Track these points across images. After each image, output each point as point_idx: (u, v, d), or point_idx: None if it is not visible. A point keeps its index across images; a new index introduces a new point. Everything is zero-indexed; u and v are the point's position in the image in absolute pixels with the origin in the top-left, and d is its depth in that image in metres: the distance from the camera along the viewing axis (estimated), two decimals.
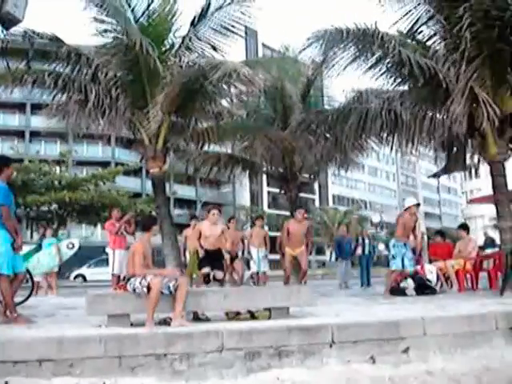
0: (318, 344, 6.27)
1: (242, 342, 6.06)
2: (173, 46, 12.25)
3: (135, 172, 45.90)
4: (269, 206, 68.48)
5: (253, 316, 7.22)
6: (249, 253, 14.39)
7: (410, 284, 11.52)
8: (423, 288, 11.45)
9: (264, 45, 61.44)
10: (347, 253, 16.61)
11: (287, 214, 61.34)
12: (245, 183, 45.16)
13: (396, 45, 9.58)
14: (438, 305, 8.79)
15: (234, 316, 7.24)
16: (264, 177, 18.82)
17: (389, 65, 10.59)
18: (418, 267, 12.58)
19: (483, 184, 52.30)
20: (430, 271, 12.30)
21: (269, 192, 68.56)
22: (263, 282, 14.33)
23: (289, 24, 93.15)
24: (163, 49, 12.03)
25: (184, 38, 12.10)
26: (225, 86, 12.07)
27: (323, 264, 52.89)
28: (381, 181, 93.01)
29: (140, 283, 6.58)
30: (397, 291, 11.58)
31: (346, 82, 10.92)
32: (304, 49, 10.29)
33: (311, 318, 7.12)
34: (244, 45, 54.40)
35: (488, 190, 24.21)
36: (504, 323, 7.08)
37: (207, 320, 7.17)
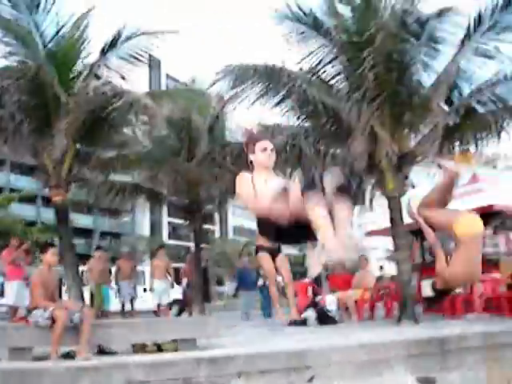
0: (226, 375, 6.30)
1: (150, 374, 5.99)
2: (80, 73, 12.05)
3: (30, 199, 44.19)
4: (169, 237, 67.78)
5: (160, 348, 7.15)
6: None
7: (311, 315, 11.81)
8: (324, 318, 11.76)
9: (168, 76, 61.49)
10: (249, 284, 16.71)
11: (188, 244, 60.89)
12: (145, 213, 44.61)
13: (301, 83, 9.96)
14: (340, 334, 9.08)
15: (141, 348, 7.14)
16: (165, 207, 18.67)
17: (294, 102, 10.96)
18: (319, 297, 12.94)
19: (377, 217, 54.65)
20: (331, 301, 12.65)
21: (169, 222, 67.91)
22: (165, 314, 14.14)
23: (191, 55, 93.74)
24: (71, 75, 11.77)
25: (93, 65, 11.93)
26: (129, 116, 12.01)
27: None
28: None
29: (42, 315, 6.37)
30: (299, 321, 11.82)
31: (252, 115, 11.16)
32: (214, 83, 10.44)
33: (218, 349, 7.13)
34: (148, 74, 54.29)
35: (382, 223, 25.29)
36: (403, 350, 7.41)
37: (113, 353, 7.02)
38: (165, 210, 52.69)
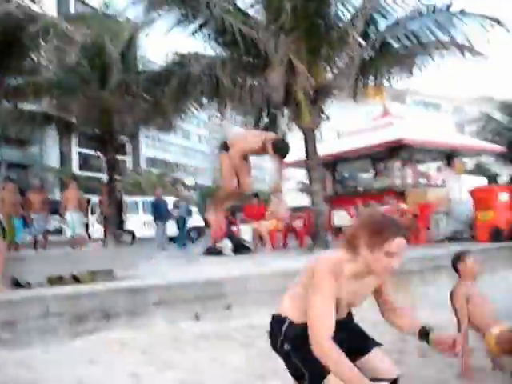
0: (144, 305, 6.37)
1: (68, 306, 5.95)
2: None
3: None
4: (79, 168, 66.13)
5: (76, 280, 7.09)
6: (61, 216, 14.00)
7: (227, 244, 12.03)
8: (239, 248, 12.03)
9: None
10: (164, 215, 16.74)
11: (99, 175, 59.71)
12: (54, 143, 43.17)
13: (220, 11, 9.75)
14: (255, 263, 9.31)
15: (57, 280, 7.05)
16: (75, 137, 18.00)
17: (212, 31, 10.74)
18: (235, 228, 13.17)
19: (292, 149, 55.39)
20: (246, 231, 12.92)
21: (79, 153, 66.09)
22: (80, 245, 13.99)
23: None
24: None
25: None
26: (42, 41, 11.37)
27: None
28: (193, 144, 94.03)
29: None
30: (214, 251, 12.03)
31: (168, 44, 10.84)
32: (127, 8, 10.03)
33: (136, 279, 7.17)
34: None
35: (295, 155, 25.58)
36: None
37: (28, 286, 6.90)
38: (75, 140, 51.19)
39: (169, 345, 5.67)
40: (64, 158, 64.49)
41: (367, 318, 4.16)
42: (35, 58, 12.46)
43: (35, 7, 11.34)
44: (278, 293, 7.03)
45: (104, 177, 63.90)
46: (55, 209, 16.62)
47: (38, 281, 7.07)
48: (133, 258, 7.69)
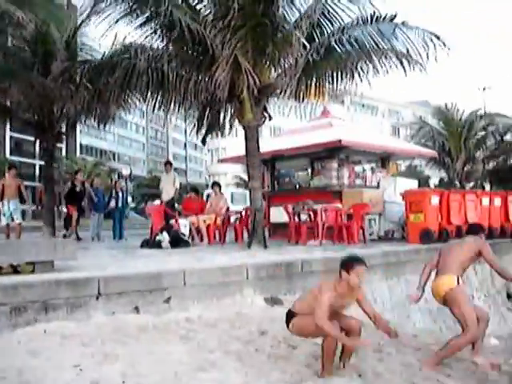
0: (84, 297, 6.39)
1: (7, 297, 5.91)
2: None
3: None
4: (11, 153, 64.20)
5: (16, 270, 7.01)
6: None
7: (165, 237, 12.07)
8: (177, 241, 12.09)
9: None
10: (100, 206, 16.57)
11: (32, 161, 58.09)
12: None
13: (169, 6, 9.76)
14: (194, 257, 9.42)
15: None
16: (7, 122, 17.56)
17: (159, 24, 10.74)
18: (173, 221, 13.20)
19: (228, 143, 55.64)
20: (184, 225, 12.97)
21: (11, 137, 64.16)
22: (16, 234, 13.70)
23: None
24: None
25: None
26: None
27: None
28: (130, 133, 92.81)
29: None
30: (153, 244, 12.05)
31: (113, 33, 10.73)
32: None
33: (76, 271, 7.15)
34: None
35: (233, 150, 25.76)
36: (253, 273, 7.91)
37: None
38: (7, 124, 49.62)
39: (109, 337, 5.74)
40: None
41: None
42: None
43: None
44: (215, 287, 7.28)
45: (37, 163, 62.08)
46: None
47: None
48: (73, 250, 7.61)
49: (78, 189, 15.95)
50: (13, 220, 13.69)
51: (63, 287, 6.30)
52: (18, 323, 5.84)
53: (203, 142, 13.06)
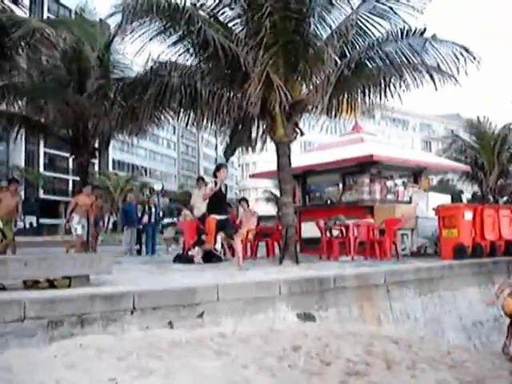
0: (119, 311, 6.46)
1: (45, 310, 6.01)
2: None
3: None
4: (45, 168, 65.41)
5: (52, 284, 7.14)
6: None
7: (197, 252, 12.16)
8: (210, 256, 12.17)
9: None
10: (133, 220, 16.78)
11: (65, 176, 58.83)
12: (20, 142, 42.58)
13: (202, 24, 9.90)
14: (226, 272, 9.46)
15: (33, 284, 7.09)
16: (42, 138, 17.89)
17: (193, 42, 10.89)
18: (205, 236, 13.27)
19: (258, 158, 55.83)
20: (216, 240, 13.03)
21: (45, 153, 65.40)
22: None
23: None
24: None
25: None
26: (22, 43, 11.37)
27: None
28: (162, 149, 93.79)
29: None
30: (185, 259, 12.15)
31: (147, 51, 10.92)
32: (110, 15, 10.06)
33: (111, 285, 7.25)
34: None
35: (263, 165, 25.82)
36: (286, 289, 7.91)
37: (3, 289, 6.93)
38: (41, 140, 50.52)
39: (144, 351, 5.79)
40: (30, 157, 63.69)
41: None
42: (15, 60, 12.39)
43: (16, 8, 11.34)
44: (247, 302, 7.30)
45: (70, 178, 62.98)
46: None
47: (13, 284, 7.12)
48: (109, 264, 7.73)
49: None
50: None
51: (99, 301, 6.38)
52: (54, 337, 5.94)
53: (225, 154, 13.16)
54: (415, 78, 10.67)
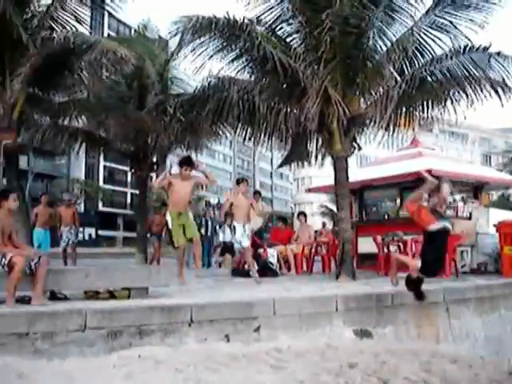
0: (177, 323, 6.56)
1: (105, 321, 6.17)
2: (34, 15, 11.69)
3: None
4: (104, 181, 66.97)
5: (112, 295, 7.31)
6: None
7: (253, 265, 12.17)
8: (266, 270, 12.17)
9: (111, 15, 59.41)
10: None
11: (124, 190, 60.01)
12: (80, 156, 43.82)
13: (261, 40, 10.01)
14: (282, 287, 9.43)
15: (93, 295, 7.28)
16: (100, 151, 18.46)
17: (253, 58, 11.00)
18: (261, 250, 13.31)
19: (313, 173, 55.68)
20: (272, 255, 13.06)
21: (105, 166, 66.98)
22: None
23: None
24: (25, 16, 11.39)
25: (49, 7, 11.56)
26: (94, 62, 11.81)
27: None
28: (218, 163, 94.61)
29: (0, 261, 6.40)
30: (242, 273, 12.20)
31: (207, 67, 11.12)
32: (174, 34, 10.29)
33: (169, 297, 7.38)
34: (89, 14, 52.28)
35: (319, 180, 25.68)
36: (342, 305, 7.84)
37: (66, 299, 7.13)
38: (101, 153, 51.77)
39: (202, 364, 5.85)
40: (90, 171, 65.34)
41: None
42: (80, 77, 12.82)
43: (81, 28, 11.77)
44: (304, 317, 7.27)
45: (128, 191, 64.14)
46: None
47: (75, 294, 7.32)
48: (168, 277, 7.86)
49: None
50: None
51: (157, 313, 6.49)
52: (113, 347, 6.08)
53: (280, 166, 13.16)
54: (479, 93, 10.48)
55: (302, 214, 15.13)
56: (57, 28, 11.78)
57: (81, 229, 15.68)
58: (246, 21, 10.20)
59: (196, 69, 10.50)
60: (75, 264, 14.15)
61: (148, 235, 16.83)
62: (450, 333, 8.72)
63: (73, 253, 14.55)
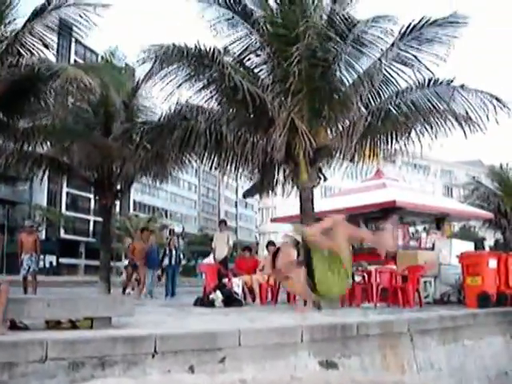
0: (141, 354, 6.41)
1: (66, 351, 5.99)
2: (0, 40, 11.63)
3: None
4: (67, 208, 66.11)
5: (74, 325, 7.14)
6: None
7: (218, 296, 12.10)
8: (231, 300, 12.09)
9: (77, 41, 59.25)
10: (155, 262, 16.77)
11: (87, 217, 59.25)
12: (42, 182, 43.28)
13: (231, 71, 10.10)
14: (247, 317, 9.34)
15: (55, 325, 7.09)
16: (63, 177, 18.22)
17: (221, 88, 11.08)
18: (226, 280, 13.24)
19: (278, 202, 55.85)
20: (237, 284, 12.99)
21: (68, 193, 66.20)
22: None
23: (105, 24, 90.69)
24: None
25: (18, 32, 11.50)
26: (59, 89, 11.76)
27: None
28: (183, 191, 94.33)
29: None
30: (206, 302, 12.08)
31: (174, 95, 11.15)
32: (143, 62, 10.30)
33: (132, 328, 7.23)
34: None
35: (283, 209, 25.78)
36: (308, 335, 7.80)
37: (26, 328, 6.93)
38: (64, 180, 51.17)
39: None
40: (52, 197, 64.46)
41: None
42: (45, 102, 12.73)
43: (48, 53, 11.75)
44: (269, 348, 7.20)
45: (91, 219, 63.49)
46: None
47: (36, 324, 7.13)
48: (131, 306, 7.72)
49: None
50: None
51: (120, 344, 6.34)
52: (75, 379, 5.89)
53: (245, 196, 13.18)
54: (442, 126, 10.72)
55: (272, 243, 15.06)
56: (24, 53, 11.72)
57: (42, 256, 15.32)
58: (215, 50, 10.26)
59: (164, 97, 10.50)
60: (35, 292, 13.85)
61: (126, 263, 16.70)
62: (414, 363, 8.74)
63: (33, 281, 14.24)
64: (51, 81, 11.05)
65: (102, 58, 17.08)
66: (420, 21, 10.35)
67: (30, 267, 14.15)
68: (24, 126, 12.95)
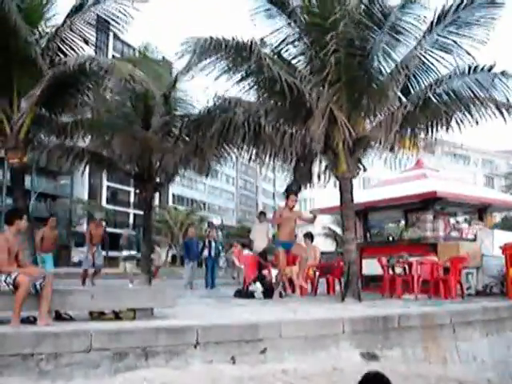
0: (183, 345, 6.49)
1: (110, 342, 6.11)
2: (41, 35, 11.83)
3: None
4: (107, 201, 67.08)
5: (117, 316, 7.26)
6: None
7: (258, 287, 12.14)
8: (270, 291, 12.11)
9: (115, 36, 59.94)
10: (195, 254, 16.96)
11: (126, 210, 59.91)
12: (83, 176, 43.99)
13: (269, 62, 10.07)
14: (288, 308, 9.37)
15: (99, 316, 7.23)
16: (104, 171, 18.44)
17: (259, 80, 11.07)
18: (266, 272, 13.26)
19: (316, 194, 55.69)
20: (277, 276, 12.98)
21: (108, 187, 67.19)
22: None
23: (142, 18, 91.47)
24: (33, 37, 11.48)
25: (58, 28, 11.67)
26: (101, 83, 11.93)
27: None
28: (221, 183, 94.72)
29: (5, 281, 6.37)
30: (246, 294, 12.15)
31: (213, 88, 11.23)
32: (181, 55, 10.34)
33: (173, 319, 7.33)
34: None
35: (321, 201, 25.68)
36: (349, 327, 7.78)
37: (71, 319, 7.09)
38: (104, 173, 51.89)
39: None
40: (93, 191, 65.47)
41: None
42: (88, 96, 12.91)
43: (88, 49, 11.91)
44: (310, 340, 7.20)
45: (131, 212, 64.17)
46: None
47: (80, 315, 7.27)
48: (173, 298, 7.81)
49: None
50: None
51: (163, 335, 6.43)
52: (118, 369, 6.01)
53: (287, 190, 13.11)
54: (483, 114, 10.50)
55: (309, 235, 15.02)
56: (64, 49, 11.89)
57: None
58: (253, 42, 10.22)
59: (202, 90, 10.54)
60: (93, 284, 14.27)
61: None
62: (456, 355, 8.63)
63: (97, 275, 15.08)
64: (96, 76, 11.12)
65: (140, 52, 17.19)
66: (457, 4, 10.10)
67: (94, 262, 14.97)
68: (66, 120, 13.12)
